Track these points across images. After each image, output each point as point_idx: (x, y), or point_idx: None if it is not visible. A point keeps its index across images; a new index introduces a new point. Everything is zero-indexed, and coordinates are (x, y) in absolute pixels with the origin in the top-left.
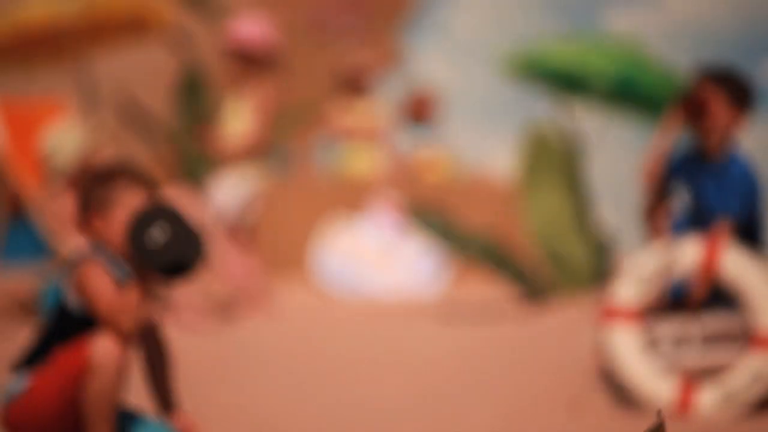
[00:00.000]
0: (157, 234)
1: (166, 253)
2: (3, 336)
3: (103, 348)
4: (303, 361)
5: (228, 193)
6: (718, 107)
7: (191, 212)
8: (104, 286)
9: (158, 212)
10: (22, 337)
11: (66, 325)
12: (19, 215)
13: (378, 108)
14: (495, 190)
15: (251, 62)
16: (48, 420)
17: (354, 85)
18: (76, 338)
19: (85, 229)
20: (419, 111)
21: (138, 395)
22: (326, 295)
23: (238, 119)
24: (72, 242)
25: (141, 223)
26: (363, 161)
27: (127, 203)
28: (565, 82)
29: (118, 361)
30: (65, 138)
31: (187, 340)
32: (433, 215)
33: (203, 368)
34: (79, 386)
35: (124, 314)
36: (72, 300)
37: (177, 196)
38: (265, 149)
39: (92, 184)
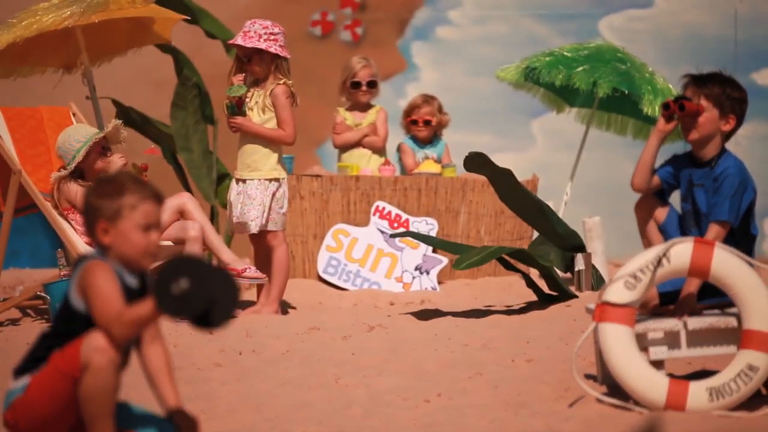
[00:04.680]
0: (183, 284)
1: (191, 303)
2: (5, 336)
3: (96, 346)
4: (307, 356)
5: (257, 192)
6: (706, 112)
7: (196, 217)
8: (108, 290)
9: (187, 262)
10: (23, 337)
11: (71, 323)
12: (23, 217)
13: (381, 115)
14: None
15: (265, 58)
16: (48, 420)
17: (356, 91)
18: (78, 337)
19: (94, 238)
20: (421, 130)
21: (141, 392)
22: (329, 292)
23: (262, 115)
24: (82, 243)
25: (169, 272)
26: (366, 166)
27: (135, 214)
28: (557, 95)
29: (112, 359)
30: (75, 137)
31: (192, 335)
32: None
33: (208, 363)
34: (76, 385)
35: (121, 326)
36: (75, 297)
37: (183, 203)
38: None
39: (102, 195)
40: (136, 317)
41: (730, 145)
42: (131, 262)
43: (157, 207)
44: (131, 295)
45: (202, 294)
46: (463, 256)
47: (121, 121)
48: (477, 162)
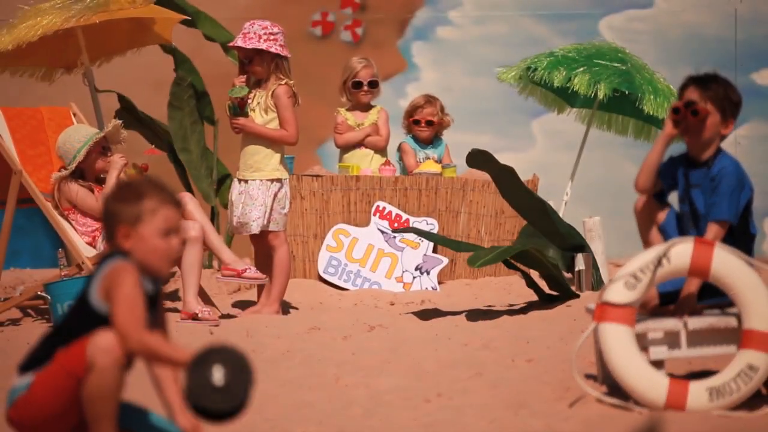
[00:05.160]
0: (218, 375)
1: (221, 397)
2: (5, 336)
3: (103, 345)
4: (308, 356)
5: (259, 193)
6: (710, 116)
7: (196, 218)
8: (135, 300)
9: (223, 353)
10: (26, 337)
11: (85, 322)
12: (24, 217)
13: (383, 115)
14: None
15: (265, 58)
16: (51, 418)
17: (357, 91)
18: (86, 336)
19: (114, 243)
20: (423, 130)
21: (143, 392)
22: (329, 292)
23: (264, 116)
24: (83, 243)
25: (204, 359)
26: (368, 166)
27: (155, 219)
28: (557, 96)
29: (118, 360)
30: (75, 137)
31: (192, 334)
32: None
33: None
34: (81, 384)
35: (138, 345)
36: (96, 297)
37: (184, 203)
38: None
39: (123, 199)
40: (155, 351)
41: (730, 145)
42: (151, 267)
43: (177, 211)
44: (146, 301)
45: (240, 389)
46: (476, 255)
47: (121, 121)
48: (480, 159)
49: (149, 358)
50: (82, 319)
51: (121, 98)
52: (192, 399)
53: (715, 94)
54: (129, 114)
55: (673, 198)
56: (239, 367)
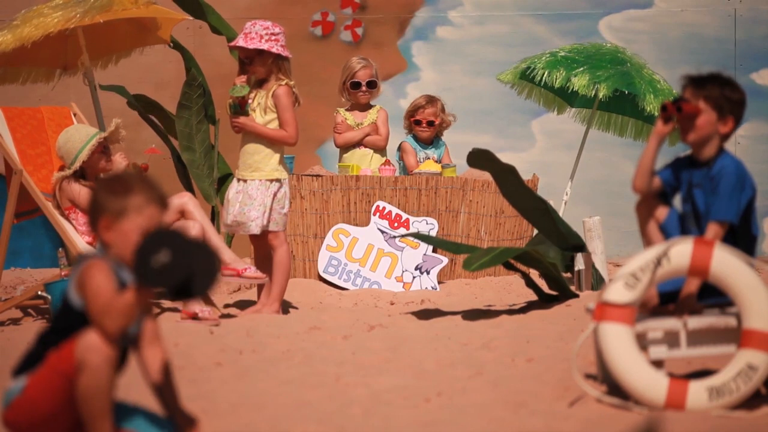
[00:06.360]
0: (163, 257)
1: (170, 274)
2: (6, 335)
3: (90, 344)
4: (308, 356)
5: (257, 193)
6: (704, 114)
7: (197, 217)
8: (104, 286)
9: (165, 236)
10: (24, 337)
11: (70, 321)
12: (25, 217)
13: (382, 115)
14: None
15: (266, 58)
16: (46, 419)
17: (355, 91)
18: (74, 335)
19: (96, 232)
20: (424, 130)
21: (141, 391)
22: (329, 292)
23: (264, 116)
24: (83, 242)
25: (148, 245)
26: (368, 166)
27: (139, 216)
28: (556, 96)
29: (107, 357)
30: (76, 137)
31: (192, 334)
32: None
33: (208, 362)
34: (73, 384)
35: (112, 316)
36: (74, 295)
37: (184, 203)
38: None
39: (110, 192)
40: (126, 302)
41: (730, 145)
42: (126, 262)
43: (161, 211)
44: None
45: (182, 265)
46: (472, 258)
47: (120, 121)
48: (481, 158)
49: (130, 315)
50: (68, 318)
51: (125, 94)
52: (139, 280)
53: (710, 93)
54: (135, 107)
55: (677, 198)
56: (180, 249)
